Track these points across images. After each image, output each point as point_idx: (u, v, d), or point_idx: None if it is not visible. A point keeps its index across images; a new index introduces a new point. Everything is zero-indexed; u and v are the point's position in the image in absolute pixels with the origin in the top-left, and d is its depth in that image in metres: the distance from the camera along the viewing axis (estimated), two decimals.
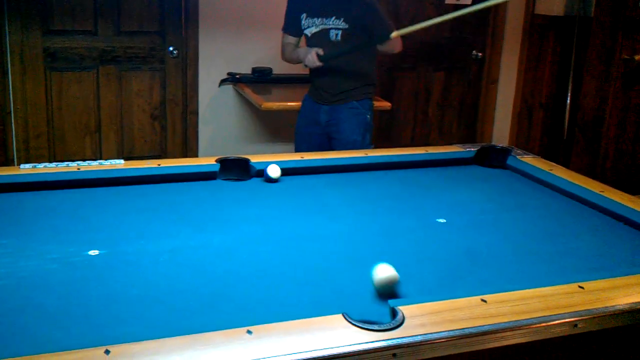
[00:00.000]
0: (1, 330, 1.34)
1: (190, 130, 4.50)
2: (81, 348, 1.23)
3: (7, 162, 4.07)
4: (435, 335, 1.34)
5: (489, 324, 1.40)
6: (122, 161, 2.32)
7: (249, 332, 1.30)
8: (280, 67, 4.46)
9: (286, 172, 2.42)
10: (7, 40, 3.96)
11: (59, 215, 1.97)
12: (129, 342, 1.24)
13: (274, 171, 2.33)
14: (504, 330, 1.40)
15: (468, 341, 1.36)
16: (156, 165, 2.32)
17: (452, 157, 2.68)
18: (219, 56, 4.39)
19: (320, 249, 1.83)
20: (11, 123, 4.10)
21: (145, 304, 1.48)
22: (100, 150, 4.38)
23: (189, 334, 1.28)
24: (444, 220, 2.07)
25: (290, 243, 1.86)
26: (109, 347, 1.22)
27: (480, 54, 5.10)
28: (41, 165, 2.22)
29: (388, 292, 1.54)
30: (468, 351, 1.37)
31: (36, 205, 2.03)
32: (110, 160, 2.31)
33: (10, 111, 4.07)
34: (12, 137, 4.12)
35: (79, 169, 2.24)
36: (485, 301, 1.48)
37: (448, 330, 1.36)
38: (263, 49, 4.45)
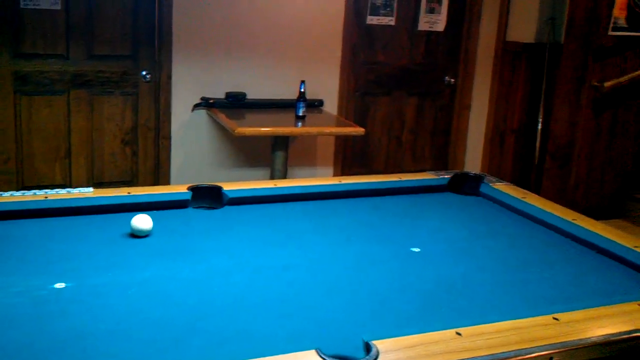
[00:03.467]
0: None
1: (162, 155, 4.45)
2: None
3: None
4: None
5: (464, 358, 1.38)
6: (91, 189, 2.27)
7: None
8: (254, 92, 4.46)
9: (260, 199, 2.40)
10: None
11: (24, 246, 1.92)
12: None
13: (139, 224, 2.02)
14: None
15: None
16: (126, 194, 2.27)
17: (425, 185, 2.68)
18: (193, 81, 4.37)
19: (293, 279, 1.80)
20: None
21: (114, 340, 1.43)
22: (70, 176, 4.31)
23: None
24: (418, 249, 2.06)
25: (263, 274, 1.83)
26: None
27: (452, 80, 5.16)
28: (7, 194, 2.16)
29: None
30: None
31: (1, 236, 1.97)
32: (79, 189, 2.26)
33: None
34: None
35: (46, 197, 2.18)
36: (460, 334, 1.46)
37: None
38: (237, 74, 4.44)
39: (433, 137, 5.23)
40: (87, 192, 2.25)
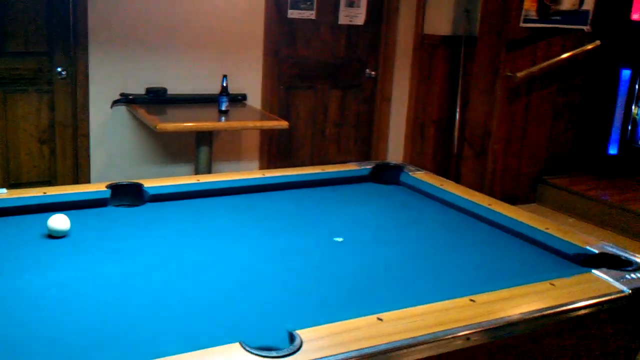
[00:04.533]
0: None
1: (81, 154, 4.33)
2: None
3: None
4: (334, 358, 1.34)
5: (386, 343, 1.41)
6: (4, 190, 2.19)
7: None
8: (175, 87, 4.40)
9: (182, 195, 2.38)
10: None
11: None
12: None
13: (55, 224, 1.97)
14: (400, 347, 1.42)
15: None
16: (42, 194, 2.21)
17: (348, 175, 2.72)
18: (111, 76, 4.27)
19: (215, 275, 1.80)
20: None
21: (33, 344, 1.39)
22: None
23: None
24: (341, 239, 2.09)
25: (184, 271, 1.81)
26: None
27: (373, 73, 5.23)
28: None
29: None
30: None
31: None
32: None
33: None
34: None
35: None
36: (381, 319, 1.50)
37: (347, 352, 1.36)
38: (157, 69, 4.37)
39: (356, 129, 5.30)
40: (1, 193, 2.17)
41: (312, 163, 5.05)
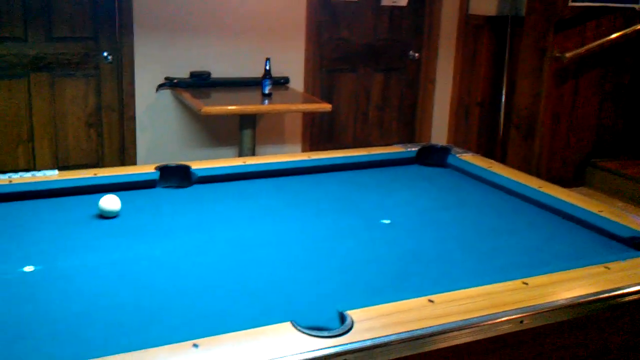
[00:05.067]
0: None
1: (127, 137, 4.39)
2: None
3: None
4: (385, 339, 1.33)
5: (437, 325, 1.40)
6: (56, 172, 2.23)
7: (195, 345, 1.27)
8: (219, 71, 4.42)
9: (229, 177, 2.39)
10: None
11: None
12: None
13: (107, 204, 2.00)
14: (452, 330, 1.40)
15: (417, 343, 1.36)
16: (92, 175, 2.24)
17: (394, 158, 2.69)
18: (156, 60, 4.31)
19: (265, 255, 1.81)
20: None
21: (85, 322, 1.42)
22: (34, 160, 4.23)
23: (132, 351, 1.24)
24: (389, 221, 2.07)
25: (234, 250, 1.82)
26: None
27: (417, 55, 5.17)
28: None
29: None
30: (418, 353, 1.37)
31: None
32: (44, 171, 2.22)
33: None
34: None
35: (10, 181, 2.14)
36: (432, 301, 1.48)
37: (397, 333, 1.35)
38: (201, 53, 4.39)
39: (399, 111, 5.26)
40: (52, 175, 2.21)
41: (354, 146, 5.03)
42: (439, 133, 5.33)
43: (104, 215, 1.99)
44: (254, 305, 1.52)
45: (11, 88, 4.07)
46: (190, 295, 1.56)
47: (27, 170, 4.17)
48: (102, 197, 2.01)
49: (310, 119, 4.86)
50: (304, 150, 4.88)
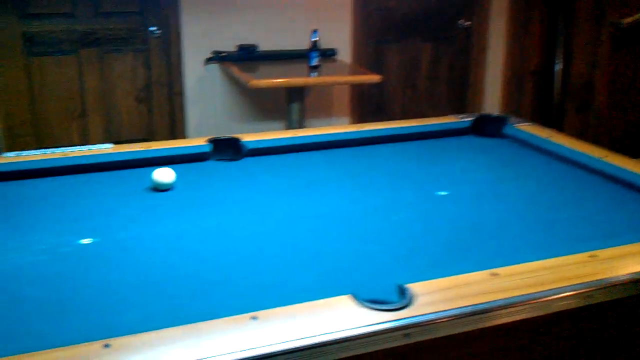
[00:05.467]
0: None
1: (177, 111, 4.41)
2: (78, 343, 1.16)
3: None
4: (447, 313, 1.29)
5: (500, 299, 1.34)
6: (110, 145, 2.24)
7: (253, 318, 1.25)
8: (265, 44, 4.38)
9: (280, 149, 2.36)
10: None
11: (46, 203, 1.90)
12: (128, 334, 1.18)
13: (161, 177, 1.99)
14: (516, 304, 1.35)
15: (480, 317, 1.31)
16: (146, 148, 2.24)
17: (448, 128, 2.62)
18: (203, 34, 4.29)
19: (320, 227, 1.77)
20: None
21: (143, 293, 1.42)
22: (88, 135, 4.28)
23: (191, 323, 1.22)
24: (445, 193, 2.01)
25: (289, 222, 1.80)
26: (108, 341, 1.16)
27: (467, 23, 5.03)
28: (26, 153, 2.14)
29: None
30: (481, 327, 1.32)
31: (22, 195, 1.95)
32: (98, 145, 2.23)
33: None
34: None
35: (65, 155, 2.15)
36: (495, 274, 1.43)
37: (459, 307, 1.30)
38: (248, 26, 4.36)
39: (449, 82, 5.14)
40: (106, 148, 2.22)
41: (403, 118, 4.93)
42: (491, 104, 5.19)
43: (158, 188, 1.99)
44: (311, 277, 1.49)
45: (61, 64, 4.11)
46: (246, 266, 1.54)
47: (81, 145, 4.25)
48: (155, 169, 2.00)
49: (358, 91, 4.79)
50: (352, 123, 4.81)
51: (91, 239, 1.67)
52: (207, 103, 4.42)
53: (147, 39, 4.26)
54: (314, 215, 1.85)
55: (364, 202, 1.95)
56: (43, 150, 2.18)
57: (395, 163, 2.31)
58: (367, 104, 4.90)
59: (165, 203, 1.92)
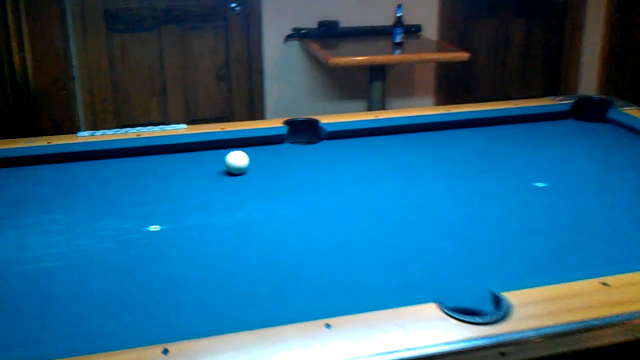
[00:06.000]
0: (52, 320, 1.20)
1: (256, 90, 4.32)
2: (137, 345, 1.06)
3: (74, 128, 4.00)
4: (552, 330, 1.11)
5: (615, 314, 1.16)
6: (184, 126, 2.15)
7: (327, 325, 1.11)
8: (347, 20, 4.21)
9: (360, 132, 2.21)
10: (67, 2, 3.85)
11: (117, 186, 1.83)
12: (189, 338, 1.07)
13: (235, 160, 1.89)
14: (634, 320, 1.16)
15: (592, 335, 1.13)
16: (220, 130, 2.14)
17: (545, 111, 2.39)
18: (283, 11, 4.16)
19: (402, 220, 1.62)
20: (75, 88, 4.01)
21: (208, 290, 1.31)
22: (167, 113, 4.26)
23: (257, 328, 1.10)
24: (543, 184, 1.81)
25: (367, 214, 1.65)
26: (167, 346, 1.06)
27: None
28: (99, 133, 2.08)
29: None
30: (593, 346, 1.13)
31: (93, 176, 1.89)
32: (172, 125, 2.15)
33: (74, 76, 3.98)
34: (78, 103, 4.04)
35: (139, 135, 2.08)
36: (606, 284, 1.24)
37: (567, 323, 1.12)
38: (329, 1, 4.19)
39: (542, 60, 4.82)
40: (180, 129, 2.13)
41: (492, 99, 4.67)
42: (587, 84, 4.84)
43: (231, 172, 1.89)
44: (392, 279, 1.34)
45: (142, 41, 4.09)
46: (320, 263, 1.41)
47: (161, 123, 4.25)
48: (229, 152, 1.90)
49: (444, 70, 4.56)
50: (436, 103, 4.60)
51: (159, 226, 1.57)
52: (287, 81, 4.31)
53: (227, 15, 4.17)
54: (396, 206, 1.69)
55: (451, 192, 1.78)
56: (117, 129, 2.12)
57: (487, 149, 2.12)
58: (453, 84, 4.66)
59: (239, 188, 1.81)
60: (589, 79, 4.84)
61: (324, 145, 2.15)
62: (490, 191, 1.78)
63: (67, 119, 3.97)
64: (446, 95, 4.63)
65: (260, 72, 4.27)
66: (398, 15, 3.85)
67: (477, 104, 2.50)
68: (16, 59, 3.56)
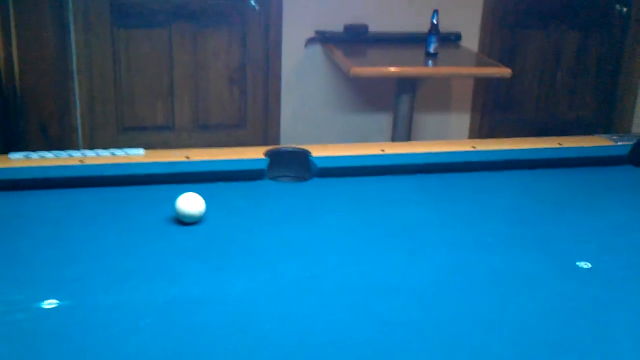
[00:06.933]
0: None
1: (272, 96, 3.91)
2: None
3: (70, 129, 3.65)
4: None
5: None
6: (142, 151, 1.75)
7: None
8: (378, 24, 3.77)
9: (360, 171, 1.77)
10: None
11: (28, 231, 1.42)
12: None
13: (187, 205, 1.47)
14: None
15: None
16: (184, 159, 1.73)
17: (595, 155, 1.91)
18: (306, 11, 3.74)
19: (401, 310, 1.18)
20: (74, 86, 3.65)
21: None
22: (173, 117, 3.89)
23: None
24: (588, 265, 1.35)
25: (349, 297, 1.22)
26: None
27: (625, 9, 4.13)
28: (36, 156, 1.69)
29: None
30: None
31: (5, 213, 1.49)
32: (127, 150, 1.74)
33: (73, 73, 3.62)
34: (76, 102, 3.69)
35: (82, 162, 1.68)
36: None
37: None
38: (358, 3, 3.75)
39: (596, 79, 4.29)
40: (136, 155, 1.73)
41: (536, 118, 4.20)
42: None
43: (182, 220, 1.47)
44: None
45: (152, 38, 3.72)
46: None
47: (165, 127, 3.88)
48: (181, 195, 1.48)
49: (483, 84, 4.08)
50: (473, 121, 4.12)
51: (57, 302, 1.17)
52: (306, 89, 3.89)
53: (245, 14, 3.77)
54: (387, 290, 1.25)
55: (466, 268, 1.33)
56: (57, 152, 1.72)
57: (517, 206, 1.66)
58: (493, 99, 4.18)
59: (185, 246, 1.39)
60: None
61: (313, 185, 1.72)
62: (517, 272, 1.33)
63: (58, 122, 3.61)
64: (485, 113, 4.14)
65: (278, 77, 3.87)
66: (434, 21, 3.39)
67: (510, 139, 2.02)
68: (1, 54, 3.21)
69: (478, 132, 4.11)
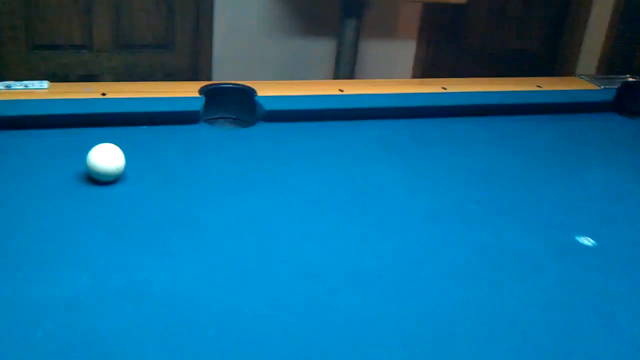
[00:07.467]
0: None
1: (203, 15, 3.53)
2: None
3: None
4: None
5: None
6: (45, 84, 1.40)
7: None
8: None
9: (315, 115, 1.50)
10: None
11: None
12: None
13: (100, 160, 1.15)
14: None
15: None
16: (99, 96, 1.39)
17: (578, 101, 1.70)
18: None
19: (351, 300, 0.94)
20: None
21: None
22: (91, 35, 3.45)
23: None
24: (591, 241, 1.14)
25: (305, 281, 0.97)
26: None
27: None
28: None
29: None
30: None
31: None
32: (24, 83, 1.39)
33: None
34: None
35: None
36: None
37: None
38: None
39: (546, 8, 4.10)
40: (38, 90, 1.38)
41: (483, 50, 3.98)
42: (593, 45, 4.12)
43: (95, 178, 1.16)
44: None
45: None
46: None
47: (83, 47, 3.45)
48: (95, 146, 1.17)
49: (431, 10, 3.81)
50: (419, 48, 3.88)
51: None
52: (241, 9, 3.52)
53: None
54: (349, 274, 1.00)
55: (439, 251, 1.10)
56: None
57: (497, 164, 1.43)
58: (440, 28, 3.93)
59: (101, 216, 1.09)
60: (595, 39, 4.12)
61: (258, 131, 1.43)
62: (511, 249, 1.10)
63: None
64: (432, 41, 3.90)
65: None
66: None
67: (485, 79, 1.78)
68: None
69: (424, 60, 3.89)
